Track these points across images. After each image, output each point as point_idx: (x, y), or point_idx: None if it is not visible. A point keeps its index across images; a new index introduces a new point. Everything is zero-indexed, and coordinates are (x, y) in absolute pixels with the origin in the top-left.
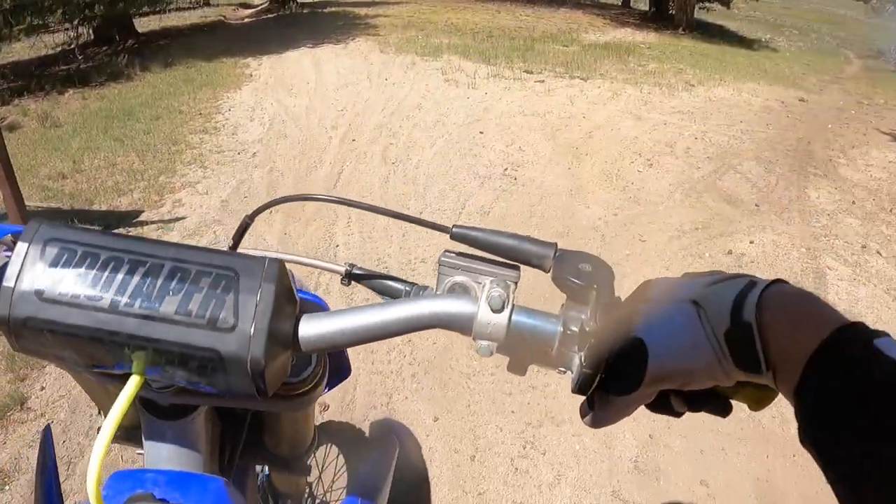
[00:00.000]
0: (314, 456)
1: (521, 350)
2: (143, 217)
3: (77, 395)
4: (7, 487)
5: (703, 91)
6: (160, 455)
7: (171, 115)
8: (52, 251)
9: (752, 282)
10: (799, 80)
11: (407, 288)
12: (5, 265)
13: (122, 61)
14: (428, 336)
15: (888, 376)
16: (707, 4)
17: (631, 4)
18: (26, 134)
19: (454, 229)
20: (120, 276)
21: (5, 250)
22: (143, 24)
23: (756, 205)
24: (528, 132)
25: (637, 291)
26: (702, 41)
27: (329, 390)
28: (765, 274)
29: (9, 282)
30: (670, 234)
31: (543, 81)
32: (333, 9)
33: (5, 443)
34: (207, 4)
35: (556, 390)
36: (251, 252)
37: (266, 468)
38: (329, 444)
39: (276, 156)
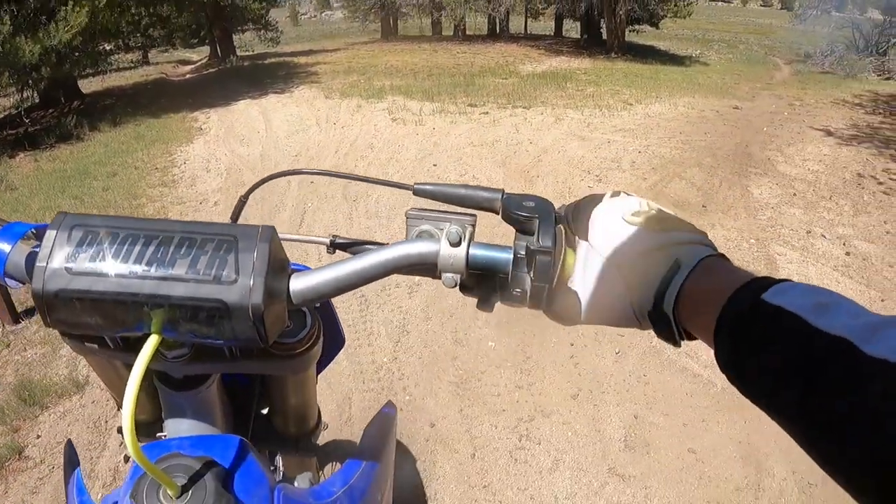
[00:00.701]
0: (320, 472)
1: (483, 283)
2: None
3: (76, 440)
4: None
5: (642, 109)
6: (180, 429)
7: (127, 171)
8: (77, 234)
9: (676, 263)
10: (731, 90)
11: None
12: (33, 253)
13: (71, 122)
14: (413, 352)
15: (767, 327)
16: (637, 27)
17: (563, 34)
18: None
19: (416, 186)
20: (137, 248)
21: (35, 246)
22: (87, 86)
23: (703, 206)
24: (479, 161)
25: (578, 212)
26: (635, 62)
27: (329, 363)
28: None
29: (41, 262)
30: None
31: (488, 113)
32: (273, 59)
33: (7, 492)
34: (147, 63)
35: (542, 387)
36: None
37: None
38: (333, 464)
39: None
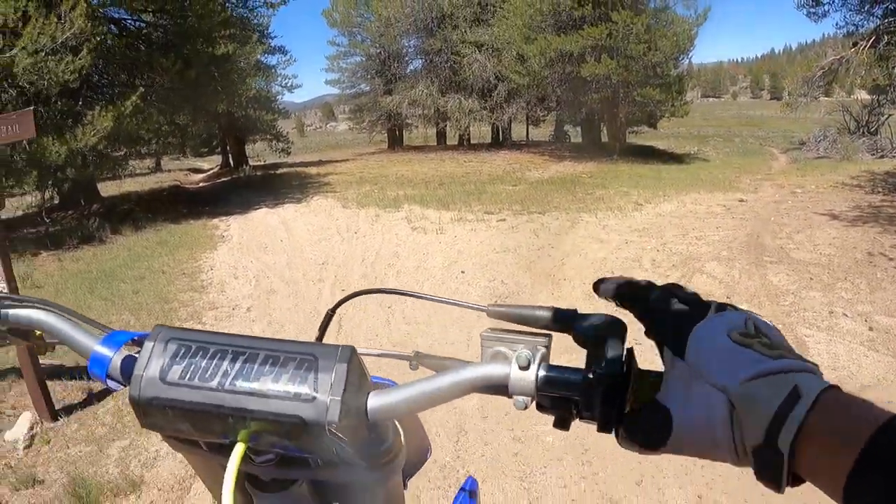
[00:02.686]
0: None
1: (558, 403)
2: None
3: None
4: None
5: (651, 208)
6: None
7: (155, 275)
8: (172, 347)
9: (796, 392)
10: (734, 183)
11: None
12: (129, 358)
13: (93, 225)
14: (475, 450)
15: None
16: (636, 129)
17: (565, 139)
18: None
19: (489, 308)
20: (225, 364)
21: (134, 352)
22: (104, 189)
23: (727, 297)
24: (504, 267)
25: (671, 325)
26: (637, 163)
27: (415, 472)
28: None
29: (139, 370)
30: None
31: (505, 220)
32: (285, 169)
33: None
34: (160, 170)
35: (606, 477)
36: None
37: None
38: None
39: (271, 309)
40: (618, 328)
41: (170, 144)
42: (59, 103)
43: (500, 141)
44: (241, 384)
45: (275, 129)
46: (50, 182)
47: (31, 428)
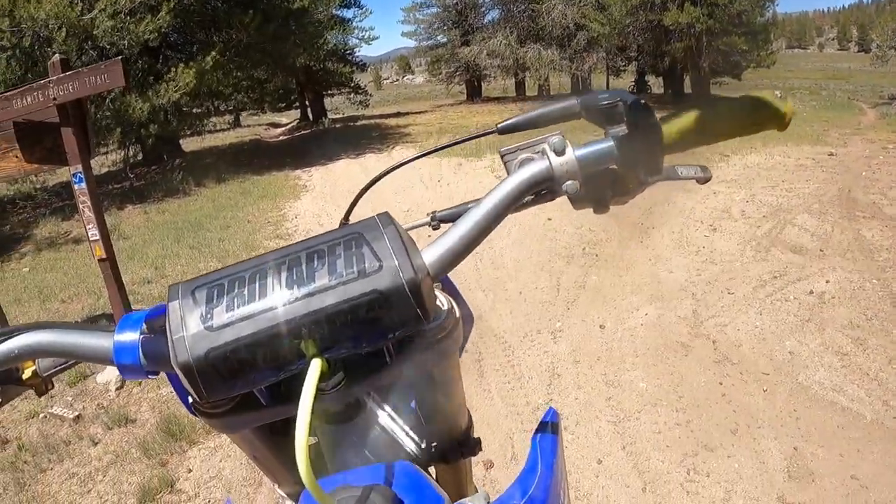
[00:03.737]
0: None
1: (591, 187)
2: None
3: (229, 476)
4: None
5: (738, 160)
6: (344, 461)
7: (240, 224)
8: (201, 294)
9: None
10: (822, 137)
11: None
12: (148, 338)
13: (177, 178)
14: (568, 393)
15: None
16: (719, 80)
17: (647, 89)
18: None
19: (499, 126)
20: (269, 281)
21: (145, 333)
22: (187, 146)
23: (821, 250)
24: (590, 215)
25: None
26: None
27: (466, 343)
28: (847, 307)
29: (177, 333)
30: (753, 285)
31: None
32: (364, 121)
33: None
34: (239, 125)
35: (700, 424)
36: None
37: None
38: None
39: None
40: (624, 91)
41: (249, 99)
42: (140, 62)
43: (580, 91)
44: (300, 290)
45: (353, 81)
46: (133, 139)
47: None
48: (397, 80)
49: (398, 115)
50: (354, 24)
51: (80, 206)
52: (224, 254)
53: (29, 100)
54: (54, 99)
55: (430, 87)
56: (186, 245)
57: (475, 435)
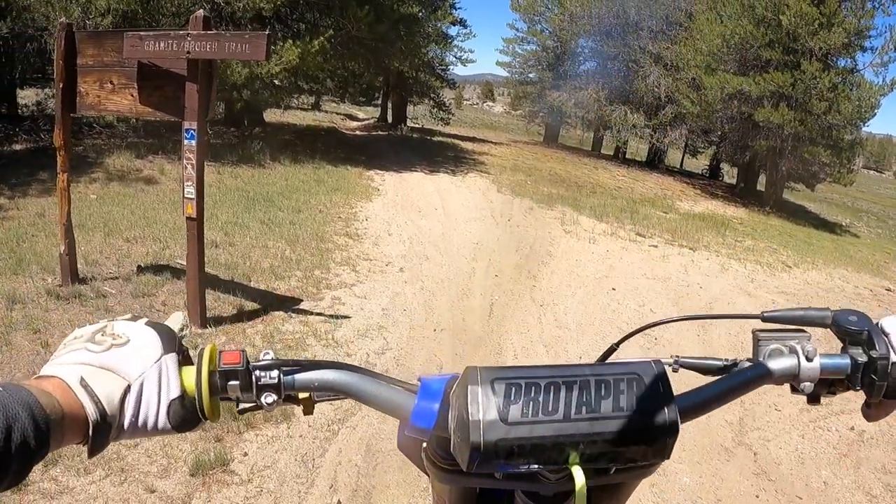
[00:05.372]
0: None
1: (819, 385)
2: (303, 306)
3: (283, 469)
4: None
5: (800, 273)
6: None
7: (311, 212)
8: (499, 387)
9: None
10: (883, 269)
11: (726, 362)
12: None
13: (255, 147)
14: None
15: None
16: (792, 185)
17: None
18: (164, 192)
19: (765, 314)
20: (563, 395)
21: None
22: (267, 116)
23: None
24: (654, 295)
25: None
26: (788, 221)
27: None
28: (882, 450)
29: (475, 416)
30: (800, 407)
31: (657, 247)
32: (440, 138)
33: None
34: (318, 109)
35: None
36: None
37: None
38: None
39: (423, 276)
40: (870, 321)
41: (335, 87)
42: (249, 28)
43: (654, 163)
44: (587, 411)
45: (439, 96)
46: (221, 102)
47: (182, 329)
48: (477, 103)
49: (474, 139)
50: (456, 42)
51: (185, 161)
52: (294, 238)
53: (162, 45)
54: (188, 52)
55: (507, 120)
56: (257, 218)
57: None
